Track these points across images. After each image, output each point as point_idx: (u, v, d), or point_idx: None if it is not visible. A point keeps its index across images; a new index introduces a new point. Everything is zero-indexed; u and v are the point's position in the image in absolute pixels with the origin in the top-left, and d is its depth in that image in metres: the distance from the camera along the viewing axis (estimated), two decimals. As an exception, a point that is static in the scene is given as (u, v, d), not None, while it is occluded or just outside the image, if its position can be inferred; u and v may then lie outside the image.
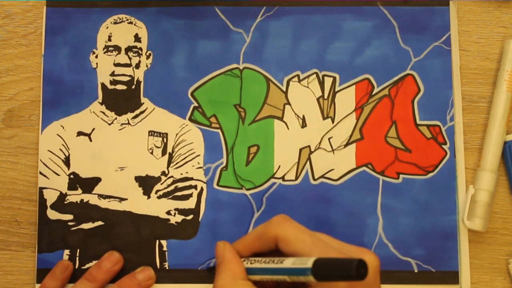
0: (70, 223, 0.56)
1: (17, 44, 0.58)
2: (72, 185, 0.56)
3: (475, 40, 0.58)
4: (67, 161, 0.57)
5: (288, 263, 0.44)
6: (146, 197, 0.56)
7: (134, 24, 0.58)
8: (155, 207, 0.56)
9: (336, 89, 0.57)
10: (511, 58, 0.56)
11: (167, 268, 0.55)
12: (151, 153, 0.57)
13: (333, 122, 0.57)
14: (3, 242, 0.57)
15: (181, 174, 0.56)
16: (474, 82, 0.57)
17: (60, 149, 0.57)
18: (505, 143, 0.56)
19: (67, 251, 0.56)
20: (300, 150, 0.56)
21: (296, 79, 0.57)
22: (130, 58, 0.57)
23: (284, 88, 0.57)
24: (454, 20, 0.57)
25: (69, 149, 0.57)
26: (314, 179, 0.56)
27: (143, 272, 0.54)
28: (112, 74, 0.57)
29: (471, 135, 0.56)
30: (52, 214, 0.56)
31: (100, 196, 0.56)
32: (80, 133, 0.57)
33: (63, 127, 0.57)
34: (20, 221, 0.57)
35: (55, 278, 0.54)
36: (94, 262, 0.56)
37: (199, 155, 0.57)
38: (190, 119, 0.57)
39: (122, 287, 0.53)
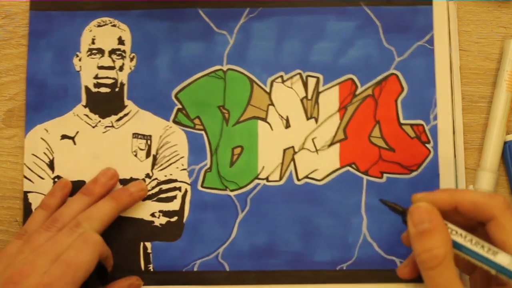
0: (54, 226, 0.56)
1: (17, 44, 0.59)
2: (56, 188, 0.56)
3: (475, 40, 0.58)
4: (51, 165, 0.57)
5: (503, 259, 0.42)
6: (130, 199, 0.56)
7: (118, 27, 0.58)
8: (140, 209, 0.56)
9: (320, 90, 0.57)
10: (511, 58, 0.56)
11: (151, 270, 0.55)
12: (135, 155, 0.57)
13: (316, 122, 0.57)
14: (3, 242, 0.57)
15: (165, 176, 0.56)
16: (474, 82, 0.57)
17: (44, 153, 0.57)
18: (505, 143, 0.55)
19: (51, 254, 0.55)
20: (284, 150, 0.56)
21: (279, 80, 0.57)
22: (113, 61, 0.57)
23: (267, 89, 0.57)
24: (454, 20, 0.57)
25: (53, 152, 0.57)
26: (298, 180, 0.56)
27: (135, 185, 0.55)
28: (96, 77, 0.57)
29: (471, 135, 0.57)
30: (37, 217, 0.56)
31: (85, 198, 0.56)
32: (64, 136, 0.57)
33: (47, 131, 0.57)
34: (20, 221, 0.57)
35: (54, 195, 0.54)
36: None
37: (183, 157, 0.57)
38: (174, 121, 0.57)
39: (115, 197, 0.53)
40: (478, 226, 0.47)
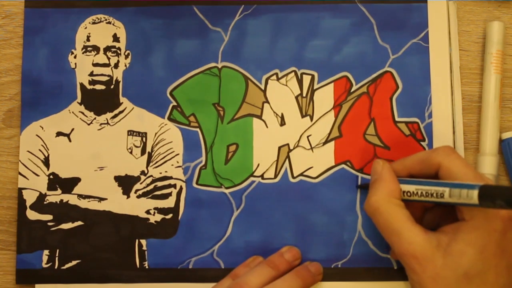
0: (49, 223, 0.56)
1: (17, 44, 0.59)
2: (51, 186, 0.57)
3: (475, 40, 0.58)
4: (46, 162, 0.57)
5: (448, 197, 0.45)
6: (125, 196, 0.56)
7: (113, 24, 0.58)
8: (135, 206, 0.56)
9: (315, 87, 0.57)
10: (494, 40, 0.56)
11: (146, 267, 0.56)
12: (130, 152, 0.57)
13: (311, 120, 0.57)
14: (3, 242, 0.57)
15: (160, 173, 0.56)
16: (474, 82, 0.57)
17: (40, 150, 0.57)
18: (503, 140, 0.55)
19: (46, 252, 0.56)
20: (279, 148, 0.56)
21: (274, 77, 0.57)
22: (108, 58, 0.57)
23: (262, 87, 0.57)
24: (454, 19, 0.57)
25: (48, 149, 0.57)
26: (293, 177, 0.56)
27: (315, 266, 0.54)
28: (91, 74, 0.57)
29: (471, 135, 0.56)
30: (32, 215, 0.56)
31: (80, 196, 0.56)
32: (59, 134, 0.57)
33: (42, 128, 0.57)
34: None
35: (248, 266, 0.54)
36: (74, 262, 0.56)
37: (178, 154, 0.57)
38: (169, 118, 0.57)
39: (300, 276, 0.53)
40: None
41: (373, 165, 0.51)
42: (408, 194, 0.48)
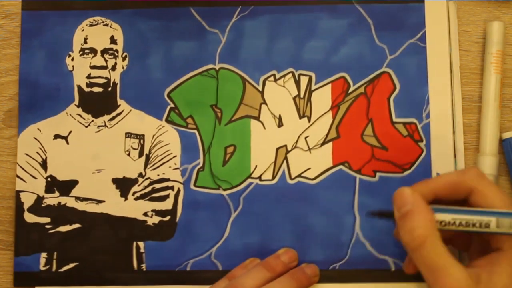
0: (47, 226, 0.56)
1: (17, 44, 0.59)
2: (49, 188, 0.57)
3: (475, 40, 0.58)
4: (44, 164, 0.57)
5: (495, 227, 0.43)
6: (123, 199, 0.56)
7: (110, 26, 0.58)
8: (132, 208, 0.56)
9: (312, 88, 0.57)
10: (494, 40, 0.56)
11: (144, 269, 0.56)
12: (128, 154, 0.57)
13: (309, 121, 0.56)
14: (3, 242, 0.57)
15: (158, 175, 0.56)
16: (474, 82, 0.57)
17: (37, 152, 0.57)
18: (504, 140, 0.55)
19: (44, 254, 0.56)
20: (277, 149, 0.56)
21: (272, 78, 0.57)
22: (106, 60, 0.57)
23: (260, 88, 0.57)
24: (454, 20, 0.57)
25: (46, 152, 0.57)
26: (291, 179, 0.56)
27: (310, 268, 0.54)
28: (88, 76, 0.57)
29: (471, 135, 0.56)
30: (29, 217, 0.56)
31: (78, 198, 0.56)
32: (57, 136, 0.57)
33: (40, 130, 0.57)
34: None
35: (246, 268, 0.54)
36: (71, 264, 0.56)
37: (175, 156, 0.57)
38: (166, 120, 0.57)
39: (295, 278, 0.52)
40: (463, 203, 0.47)
41: (399, 194, 0.46)
42: (443, 223, 0.45)
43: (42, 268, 0.56)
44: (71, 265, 0.56)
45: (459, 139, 0.56)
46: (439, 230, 0.44)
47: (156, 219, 0.56)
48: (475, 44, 0.58)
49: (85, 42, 0.58)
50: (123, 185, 0.56)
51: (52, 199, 0.56)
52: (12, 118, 0.58)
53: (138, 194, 0.56)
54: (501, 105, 0.56)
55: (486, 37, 0.57)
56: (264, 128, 0.57)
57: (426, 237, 0.44)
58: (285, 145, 0.56)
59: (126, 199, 0.56)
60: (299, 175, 0.56)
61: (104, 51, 0.58)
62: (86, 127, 0.57)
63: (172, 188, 0.56)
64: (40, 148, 0.57)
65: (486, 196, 0.44)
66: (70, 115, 0.57)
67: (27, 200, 0.56)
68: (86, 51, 0.58)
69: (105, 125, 0.57)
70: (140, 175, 0.57)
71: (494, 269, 0.44)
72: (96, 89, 0.57)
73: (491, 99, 0.55)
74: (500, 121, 0.56)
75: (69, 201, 0.56)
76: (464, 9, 0.58)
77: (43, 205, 0.56)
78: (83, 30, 0.58)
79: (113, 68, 0.58)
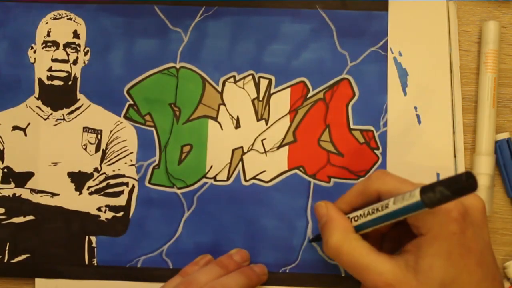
0: (1, 217, 0.56)
1: None
2: (5, 179, 0.57)
3: (475, 40, 0.58)
4: (1, 155, 0.57)
5: (392, 204, 0.45)
6: (78, 193, 0.56)
7: (74, 20, 0.58)
8: (86, 203, 0.56)
9: (272, 91, 0.57)
10: (489, 39, 0.56)
11: (95, 264, 0.56)
12: (85, 149, 0.57)
13: (267, 124, 0.57)
14: None
15: (113, 171, 0.57)
16: (474, 82, 0.57)
17: (-5, 143, 0.57)
18: (496, 142, 0.56)
19: (-5, 244, 0.56)
20: (233, 150, 0.56)
21: (232, 79, 0.57)
22: (68, 54, 0.58)
23: (219, 89, 0.57)
24: (454, 19, 0.57)
25: (3, 143, 0.57)
26: (246, 180, 0.56)
27: (260, 268, 0.55)
28: (50, 69, 0.58)
29: (471, 135, 0.56)
30: (-17, 207, 0.56)
31: (33, 190, 0.56)
32: (15, 128, 0.57)
33: (-2, 121, 0.57)
34: None
35: (197, 265, 0.55)
36: (23, 256, 0.56)
37: (132, 153, 0.57)
38: (125, 117, 0.57)
39: (245, 274, 0.53)
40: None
41: (316, 209, 0.50)
42: (356, 218, 0.48)
43: (-7, 258, 0.56)
44: (23, 256, 0.56)
45: (459, 139, 0.56)
46: (357, 232, 0.47)
47: (109, 215, 0.56)
48: (475, 44, 0.58)
49: (48, 35, 0.58)
50: (79, 179, 0.56)
51: (7, 190, 0.56)
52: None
53: (92, 189, 0.56)
54: (495, 104, 0.56)
55: (481, 37, 0.57)
56: (222, 128, 0.57)
57: (340, 244, 0.46)
58: (242, 147, 0.57)
59: (80, 193, 0.56)
60: (254, 177, 0.56)
61: (67, 45, 0.58)
62: (45, 119, 0.57)
63: (126, 184, 0.56)
64: (-2, 139, 0.57)
65: (389, 191, 0.46)
66: (30, 107, 0.57)
67: (-18, 190, 0.56)
68: (48, 44, 0.58)
69: (64, 119, 0.57)
70: (96, 170, 0.57)
71: (419, 252, 0.45)
72: (57, 82, 0.58)
73: (484, 98, 0.56)
74: (500, 121, 0.57)
75: (24, 193, 0.56)
76: (464, 9, 0.58)
77: (-3, 196, 0.56)
78: (46, 23, 0.58)
79: (75, 62, 0.58)
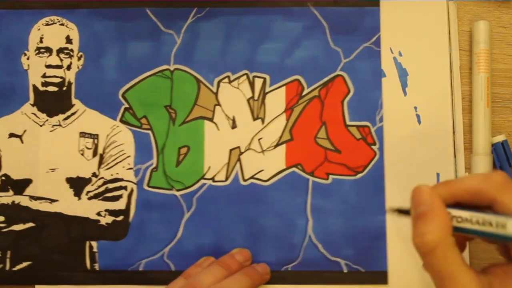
0: (0, 225, 0.56)
1: None
2: (3, 187, 0.57)
3: None
4: (-2, 163, 0.57)
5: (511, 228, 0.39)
6: (77, 198, 0.56)
7: (66, 26, 0.58)
8: (86, 208, 0.56)
9: (267, 90, 0.57)
10: (479, 39, 0.56)
11: (97, 269, 0.56)
12: (82, 154, 0.57)
13: (263, 123, 0.57)
14: None
15: (112, 175, 0.57)
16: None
17: (-9, 151, 0.57)
18: (492, 145, 0.56)
19: (-4, 253, 0.56)
20: (230, 151, 0.57)
21: (226, 80, 0.57)
22: (61, 60, 0.57)
23: (214, 89, 0.57)
24: (454, 19, 0.57)
25: (0, 150, 0.57)
26: (244, 180, 0.56)
27: (263, 267, 0.55)
28: (44, 75, 0.57)
29: (471, 135, 0.56)
30: (-18, 216, 0.56)
31: (31, 197, 0.56)
32: (11, 135, 0.57)
33: (-6, 129, 0.57)
34: None
35: (200, 266, 0.55)
36: (25, 264, 0.56)
37: (129, 156, 0.57)
38: (121, 121, 0.57)
39: (248, 275, 0.53)
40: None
41: (417, 192, 0.43)
42: (459, 220, 0.42)
43: (-6, 267, 0.56)
44: (25, 264, 0.56)
45: (459, 139, 0.56)
46: (453, 234, 0.42)
47: (109, 219, 0.56)
48: (476, 44, 0.58)
49: (41, 41, 0.58)
50: (77, 184, 0.56)
51: (6, 198, 0.56)
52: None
53: (91, 194, 0.56)
54: (489, 104, 0.56)
55: (472, 37, 0.57)
56: (218, 129, 0.57)
57: (437, 243, 0.41)
58: (239, 147, 0.57)
59: (79, 198, 0.56)
60: (252, 177, 0.56)
61: (60, 51, 0.58)
62: (41, 126, 0.57)
63: (125, 188, 0.56)
64: (-6, 147, 0.57)
65: (509, 208, 0.40)
66: (25, 114, 0.57)
67: (-20, 199, 0.56)
68: (41, 50, 0.58)
69: (60, 125, 0.57)
70: (94, 174, 0.57)
71: (507, 280, 0.42)
72: (51, 88, 0.57)
73: (478, 98, 0.56)
74: (500, 121, 0.57)
75: (23, 200, 0.56)
76: (464, 9, 0.58)
77: (-4, 204, 0.56)
78: (39, 29, 0.58)
79: (68, 67, 0.58)
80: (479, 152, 0.55)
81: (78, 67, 0.58)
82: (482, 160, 0.55)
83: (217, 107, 0.57)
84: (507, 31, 0.58)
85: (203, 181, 0.56)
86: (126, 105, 0.57)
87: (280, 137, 0.57)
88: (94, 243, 0.56)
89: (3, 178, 0.57)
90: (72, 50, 0.58)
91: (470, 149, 0.56)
